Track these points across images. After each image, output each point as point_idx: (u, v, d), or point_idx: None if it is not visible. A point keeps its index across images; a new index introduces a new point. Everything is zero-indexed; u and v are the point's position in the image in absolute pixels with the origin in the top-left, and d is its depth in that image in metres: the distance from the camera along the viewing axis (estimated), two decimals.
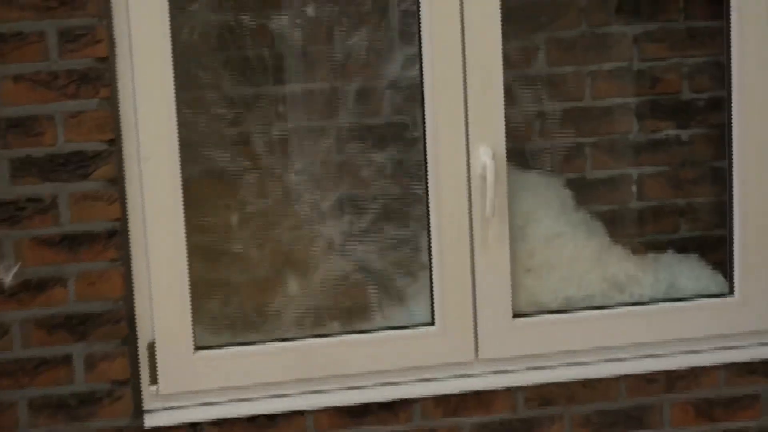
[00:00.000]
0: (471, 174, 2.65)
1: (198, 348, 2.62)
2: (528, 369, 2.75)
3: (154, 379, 2.60)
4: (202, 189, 2.83)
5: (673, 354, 2.79)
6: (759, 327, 2.81)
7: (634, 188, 3.09)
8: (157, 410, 2.61)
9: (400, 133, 2.92)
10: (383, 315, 2.87)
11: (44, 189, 2.47)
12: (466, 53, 2.61)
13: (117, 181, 2.50)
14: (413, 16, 2.65)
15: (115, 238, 2.51)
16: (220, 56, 2.88)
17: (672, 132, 3.08)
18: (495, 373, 2.73)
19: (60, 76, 2.44)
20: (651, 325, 2.78)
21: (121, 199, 2.52)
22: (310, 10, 2.89)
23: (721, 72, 2.82)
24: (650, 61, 3.05)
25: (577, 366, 2.76)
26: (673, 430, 2.81)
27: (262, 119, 2.91)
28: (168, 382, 2.60)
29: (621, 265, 2.94)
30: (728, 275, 2.84)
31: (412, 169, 2.87)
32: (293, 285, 2.90)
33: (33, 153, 2.45)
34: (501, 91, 2.63)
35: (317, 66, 2.93)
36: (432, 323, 2.71)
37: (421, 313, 2.77)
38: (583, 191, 3.05)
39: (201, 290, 2.70)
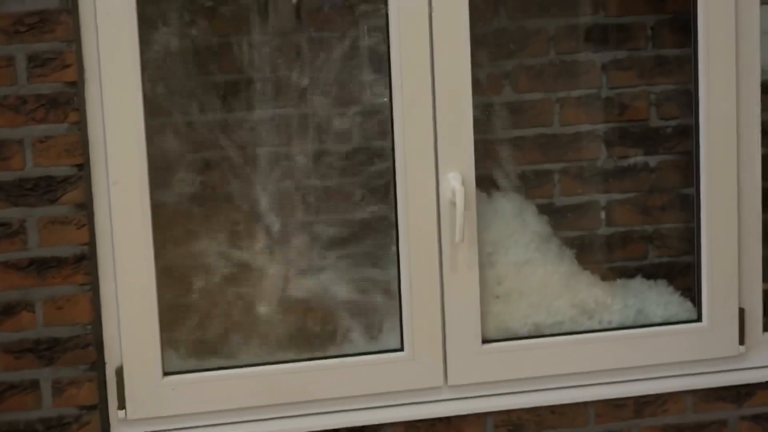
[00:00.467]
0: (440, 200, 2.65)
1: (166, 373, 2.61)
2: (497, 395, 2.74)
3: (122, 404, 2.59)
4: (171, 214, 2.82)
5: (641, 380, 2.80)
6: (726, 353, 2.82)
7: (602, 214, 3.09)
8: None
9: (369, 159, 2.91)
10: (351, 341, 2.84)
11: (12, 213, 2.46)
12: (436, 79, 2.62)
13: (86, 205, 2.49)
14: (383, 43, 2.66)
15: (84, 263, 2.50)
16: (190, 81, 2.87)
17: (640, 159, 3.08)
18: (464, 398, 2.73)
19: (29, 100, 2.44)
20: (619, 351, 2.78)
21: (90, 223, 2.51)
22: (278, 37, 2.90)
23: (688, 99, 2.84)
24: (618, 88, 3.06)
25: (546, 392, 2.76)
26: None
27: (231, 143, 2.90)
28: (136, 407, 2.59)
29: (590, 291, 2.94)
30: (696, 301, 2.85)
31: (381, 195, 2.88)
32: (262, 310, 2.89)
33: (1, 177, 2.45)
34: (470, 118, 2.65)
35: (285, 91, 2.93)
36: (401, 349, 2.70)
37: (391, 340, 2.78)
38: (551, 217, 3.04)
39: (169, 315, 2.70)
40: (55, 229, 2.47)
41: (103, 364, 2.56)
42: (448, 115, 2.63)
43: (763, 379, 2.82)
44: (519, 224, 2.97)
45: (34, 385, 2.51)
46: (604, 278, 3.01)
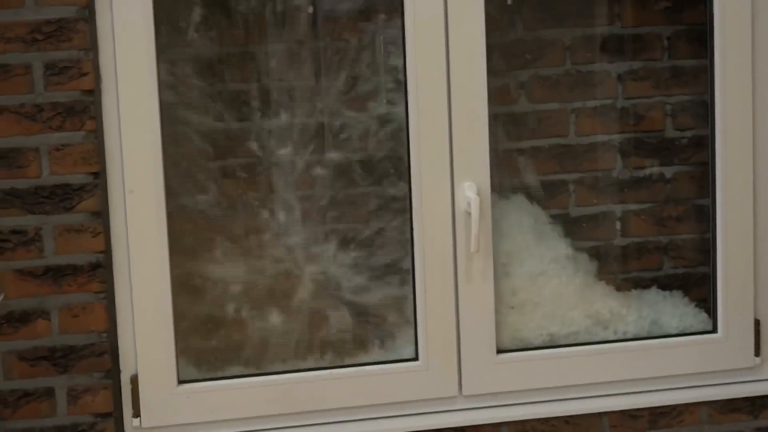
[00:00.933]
0: (456, 209, 2.66)
1: (181, 382, 2.61)
2: (511, 405, 2.75)
3: (136, 413, 2.60)
4: (187, 222, 2.84)
5: (656, 390, 2.81)
6: (741, 365, 2.83)
7: (618, 225, 3.10)
8: None
9: (386, 169, 2.92)
10: (367, 350, 2.85)
11: (28, 221, 2.47)
12: (451, 89, 2.64)
13: (101, 213, 2.51)
14: (399, 54, 2.67)
15: (99, 271, 2.51)
16: (207, 90, 2.88)
17: (655, 169, 3.08)
18: (478, 408, 2.73)
19: (45, 108, 2.47)
20: (634, 361, 2.79)
21: (106, 231, 2.54)
22: (296, 45, 2.91)
23: (704, 110, 2.86)
24: (634, 98, 3.07)
25: (560, 402, 2.77)
26: None
27: (247, 153, 2.91)
28: (150, 415, 2.60)
29: (605, 302, 2.95)
30: (711, 313, 2.86)
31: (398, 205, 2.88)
32: (277, 319, 2.90)
33: (17, 185, 2.46)
34: (486, 127, 2.67)
35: (300, 100, 2.94)
36: (416, 358, 2.71)
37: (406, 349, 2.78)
38: (567, 227, 3.05)
39: (185, 324, 2.71)
40: (71, 237, 2.49)
41: (118, 372, 2.58)
42: (463, 125, 2.65)
43: None
44: (534, 235, 2.98)
45: (49, 392, 2.52)
46: (619, 289, 3.01)
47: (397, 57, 2.74)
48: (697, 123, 3.03)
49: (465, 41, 2.62)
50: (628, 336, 2.87)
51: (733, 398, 2.82)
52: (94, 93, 2.47)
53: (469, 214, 2.62)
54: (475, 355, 2.70)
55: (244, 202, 2.93)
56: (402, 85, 2.66)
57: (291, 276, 2.93)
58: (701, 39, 2.82)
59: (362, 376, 2.70)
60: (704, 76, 2.82)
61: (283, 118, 2.93)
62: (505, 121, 3.00)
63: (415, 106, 2.63)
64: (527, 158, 3.05)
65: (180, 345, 2.63)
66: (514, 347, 2.78)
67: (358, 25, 2.92)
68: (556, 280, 2.94)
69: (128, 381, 2.58)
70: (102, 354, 2.52)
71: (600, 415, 2.77)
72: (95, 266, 2.50)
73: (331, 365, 2.78)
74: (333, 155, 2.95)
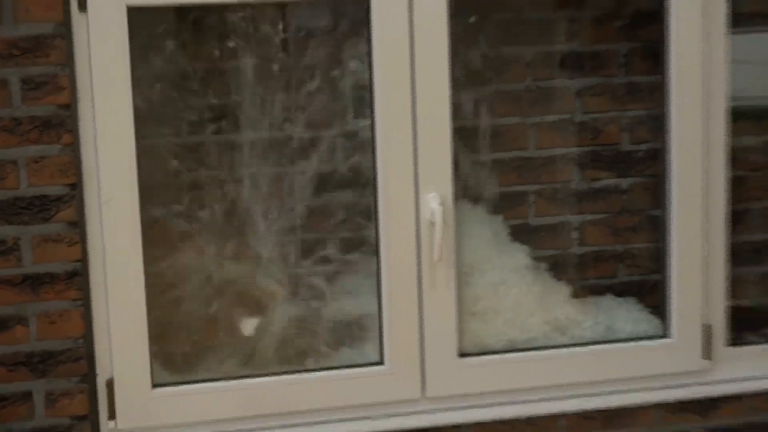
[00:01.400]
0: (420, 219, 2.65)
1: (155, 385, 2.60)
2: (473, 407, 2.74)
3: (112, 415, 2.58)
4: (161, 231, 2.83)
5: (610, 393, 2.80)
6: (693, 368, 2.83)
7: (575, 234, 3.10)
8: None
9: (354, 179, 2.92)
10: (333, 355, 2.84)
11: (7, 231, 2.45)
12: (416, 104, 2.62)
13: (78, 223, 2.48)
14: (367, 71, 2.65)
15: (76, 279, 2.49)
16: (179, 103, 2.88)
17: (612, 181, 3.10)
18: (441, 410, 2.73)
19: (23, 122, 2.43)
20: (590, 365, 2.79)
21: (82, 241, 2.50)
22: (267, 62, 2.91)
23: (658, 125, 2.83)
24: (592, 113, 3.08)
25: (519, 404, 2.76)
26: None
27: (219, 164, 2.91)
28: (126, 418, 2.59)
29: (562, 309, 2.94)
30: (664, 318, 2.85)
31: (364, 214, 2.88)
32: (248, 326, 2.89)
33: None
34: (449, 141, 2.65)
35: (269, 115, 2.94)
36: (381, 362, 2.70)
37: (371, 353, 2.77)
38: (526, 237, 3.05)
39: (158, 330, 2.69)
40: (49, 246, 2.46)
41: (95, 376, 2.56)
42: (427, 138, 2.63)
43: (728, 393, 2.84)
44: (495, 244, 2.97)
45: (27, 396, 2.50)
46: (575, 296, 3.01)
47: (365, 73, 2.70)
48: (652, 136, 3.03)
49: (429, 58, 2.60)
50: (584, 341, 2.86)
51: (684, 400, 2.81)
52: (70, 107, 2.44)
53: (432, 224, 2.61)
54: (439, 359, 2.69)
55: (214, 210, 2.91)
56: (369, 100, 2.64)
57: (261, 281, 2.92)
58: (656, 56, 2.81)
59: (330, 380, 2.68)
60: (659, 91, 2.79)
61: (253, 131, 2.91)
62: (467, 135, 2.99)
63: (381, 120, 2.61)
64: (489, 170, 3.02)
65: (153, 350, 2.60)
66: (476, 352, 2.76)
67: (326, 43, 2.90)
68: (516, 288, 2.93)
69: (104, 384, 2.56)
70: (78, 359, 2.50)
71: (557, 416, 2.76)
72: (72, 274, 2.47)
73: (299, 369, 2.75)
74: (302, 167, 2.94)
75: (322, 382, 2.68)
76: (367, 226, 2.78)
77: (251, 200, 2.92)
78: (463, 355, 2.72)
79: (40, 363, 2.49)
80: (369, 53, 2.61)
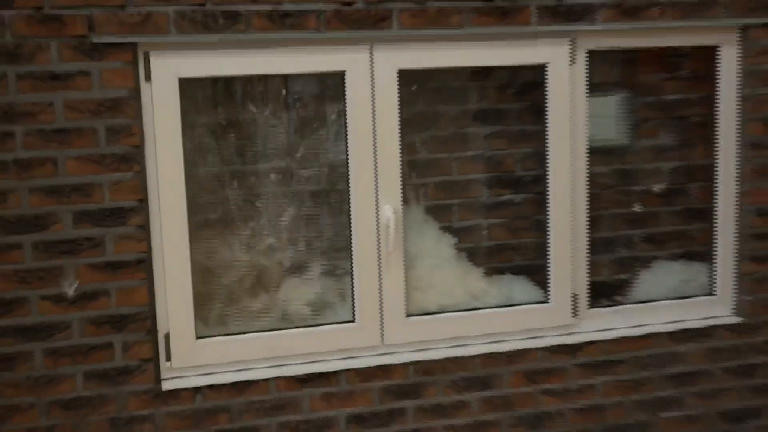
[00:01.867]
0: (379, 223, 2.66)
1: (198, 337, 2.61)
2: (416, 350, 2.76)
3: (168, 358, 2.59)
4: (201, 231, 2.82)
5: (509, 340, 2.83)
6: (565, 323, 2.86)
7: (485, 233, 3.12)
8: (171, 378, 2.61)
9: (337, 197, 2.94)
10: (321, 315, 2.84)
11: (95, 231, 2.47)
12: (377, 143, 2.64)
13: (144, 226, 2.50)
14: (342, 122, 2.66)
15: (142, 265, 2.51)
16: (213, 143, 2.86)
17: (510, 196, 3.13)
18: (395, 353, 2.74)
19: (107, 157, 2.46)
20: (495, 322, 2.81)
21: (147, 238, 2.52)
22: (274, 115, 2.89)
23: (541, 158, 2.85)
24: (495, 150, 3.10)
25: (448, 348, 2.78)
26: (510, 390, 2.82)
27: (241, 185, 2.88)
28: (178, 359, 2.60)
29: (477, 284, 2.98)
30: (545, 289, 2.87)
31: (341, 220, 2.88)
32: (263, 295, 2.86)
33: (87, 207, 2.46)
34: (399, 168, 2.66)
35: (277, 152, 2.92)
36: (353, 320, 2.71)
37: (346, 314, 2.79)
38: (452, 234, 3.06)
39: (200, 298, 2.69)
40: (124, 242, 2.48)
41: (156, 331, 2.57)
42: (384, 166, 2.64)
43: (589, 339, 2.86)
44: (431, 240, 2.98)
45: (110, 345, 2.51)
46: (486, 275, 3.04)
47: (342, 123, 2.71)
48: (536, 166, 3.05)
49: (385, 112, 2.62)
50: (492, 305, 2.87)
51: (559, 345, 2.84)
52: (139, 147, 2.46)
53: (388, 226, 2.63)
54: (393, 318, 2.70)
55: (239, 217, 2.88)
56: (344, 140, 2.63)
57: (273, 264, 2.88)
58: (539, 112, 2.82)
59: (318, 333, 2.67)
60: (541, 136, 2.80)
61: (266, 163, 2.91)
62: (412, 164, 3.01)
63: (352, 154, 2.62)
64: (426, 189, 3.04)
65: (196, 312, 2.58)
66: (419, 313, 2.76)
67: (316, 103, 2.92)
68: (446, 270, 2.95)
69: (163, 337, 2.57)
70: (145, 319, 2.52)
71: (474, 357, 2.77)
72: (140, 261, 2.49)
73: (297, 325, 2.74)
74: (299, 186, 2.94)
75: (312, 334, 2.67)
76: (344, 227, 2.75)
77: (263, 209, 2.90)
78: (409, 315, 2.73)
79: (118, 322, 2.51)
80: (344, 109, 2.62)
